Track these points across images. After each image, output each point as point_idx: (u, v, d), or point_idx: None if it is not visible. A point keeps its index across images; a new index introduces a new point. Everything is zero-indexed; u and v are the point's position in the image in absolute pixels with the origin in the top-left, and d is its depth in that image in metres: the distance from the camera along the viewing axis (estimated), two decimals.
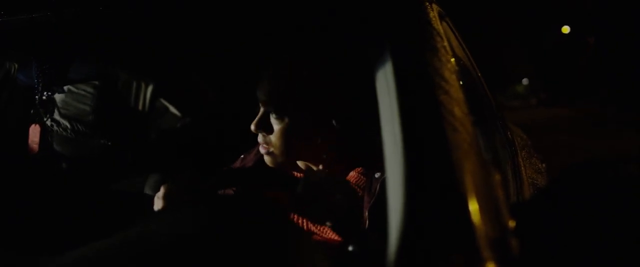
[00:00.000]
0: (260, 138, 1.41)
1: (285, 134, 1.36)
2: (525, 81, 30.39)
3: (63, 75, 1.86)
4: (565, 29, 29.61)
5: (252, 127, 1.39)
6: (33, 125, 1.89)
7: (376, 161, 1.36)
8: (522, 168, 1.74)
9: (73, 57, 1.85)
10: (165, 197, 1.29)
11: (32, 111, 1.88)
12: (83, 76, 1.95)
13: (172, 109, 2.73)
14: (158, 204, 1.30)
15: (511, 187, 1.45)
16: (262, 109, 1.40)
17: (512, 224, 0.84)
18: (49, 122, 1.95)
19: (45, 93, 1.82)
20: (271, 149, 1.39)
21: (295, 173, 1.45)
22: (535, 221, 0.85)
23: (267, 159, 1.41)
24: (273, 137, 1.38)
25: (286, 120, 1.36)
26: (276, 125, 1.37)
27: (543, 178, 2.01)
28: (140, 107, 2.39)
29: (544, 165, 2.31)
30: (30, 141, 1.87)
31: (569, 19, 29.00)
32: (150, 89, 2.42)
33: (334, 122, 1.36)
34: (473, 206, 0.80)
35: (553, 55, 29.64)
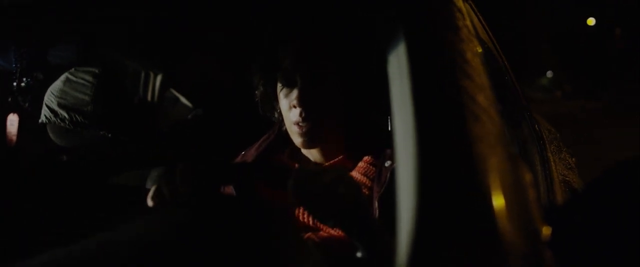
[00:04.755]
0: (296, 116, 1.34)
1: (325, 102, 1.34)
2: (549, 74, 30.06)
3: (44, 60, 1.74)
4: (591, 21, 29.23)
5: (295, 101, 1.32)
6: (11, 114, 1.78)
7: (385, 149, 1.26)
8: (552, 164, 1.59)
9: (56, 39, 1.74)
10: (154, 198, 1.20)
11: (9, 99, 1.77)
12: (66, 61, 1.83)
13: (183, 100, 2.63)
14: (149, 203, 1.21)
15: (541, 185, 1.30)
16: (299, 84, 1.33)
17: (546, 232, 0.70)
18: (48, 113, 1.84)
19: (24, 79, 1.70)
20: (311, 125, 1.33)
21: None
22: (574, 228, 0.71)
23: (306, 138, 1.35)
24: (314, 110, 1.33)
25: (323, 87, 1.33)
26: (317, 95, 1.33)
27: (575, 175, 1.86)
28: (149, 98, 2.30)
29: (574, 159, 2.16)
30: (7, 132, 1.76)
31: (594, 10, 28.62)
32: (159, 78, 2.33)
33: (354, 92, 1.34)
34: (499, 210, 0.67)
35: (578, 47, 29.25)
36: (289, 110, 1.35)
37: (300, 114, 1.32)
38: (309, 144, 1.35)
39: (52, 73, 1.85)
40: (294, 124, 1.34)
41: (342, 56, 1.34)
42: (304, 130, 1.33)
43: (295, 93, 1.33)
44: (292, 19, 1.39)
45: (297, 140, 1.36)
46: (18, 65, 1.67)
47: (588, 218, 0.70)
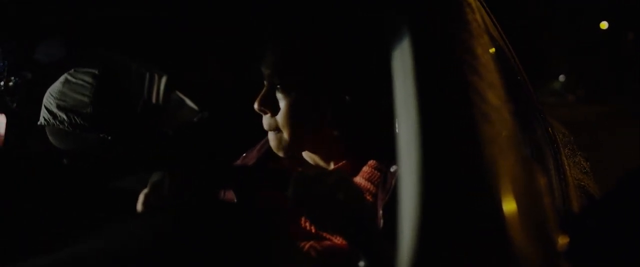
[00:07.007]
0: (265, 120, 1.28)
1: (292, 110, 1.24)
2: (561, 78, 29.98)
3: (32, 58, 1.70)
4: (604, 25, 29.11)
5: (256, 105, 1.26)
6: None
7: (391, 152, 1.20)
8: (567, 168, 1.53)
9: (45, 36, 1.70)
10: (142, 204, 1.16)
11: None
12: (55, 59, 1.79)
13: (189, 103, 2.59)
14: (138, 207, 1.18)
15: (556, 191, 1.24)
16: (266, 85, 1.28)
17: (562, 241, 0.64)
18: (46, 115, 1.80)
19: (12, 78, 1.66)
20: (277, 132, 1.26)
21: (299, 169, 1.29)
22: (592, 237, 0.65)
23: (273, 143, 1.28)
24: (279, 117, 1.25)
25: (293, 95, 1.24)
26: (283, 101, 1.25)
27: (590, 180, 1.80)
28: (153, 100, 2.26)
29: (588, 164, 2.09)
30: None
31: (607, 14, 28.52)
32: (164, 80, 2.29)
33: (346, 97, 1.23)
34: (510, 217, 0.61)
35: (591, 51, 29.14)
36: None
37: (264, 120, 1.28)
38: (278, 150, 1.28)
39: (40, 72, 1.80)
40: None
41: (340, 57, 1.26)
42: (270, 137, 1.28)
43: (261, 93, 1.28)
44: (290, 19, 1.34)
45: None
46: (5, 63, 1.63)
47: (607, 226, 0.64)
